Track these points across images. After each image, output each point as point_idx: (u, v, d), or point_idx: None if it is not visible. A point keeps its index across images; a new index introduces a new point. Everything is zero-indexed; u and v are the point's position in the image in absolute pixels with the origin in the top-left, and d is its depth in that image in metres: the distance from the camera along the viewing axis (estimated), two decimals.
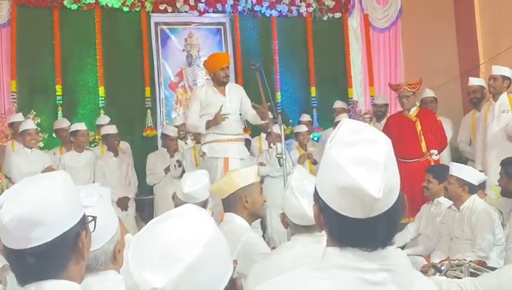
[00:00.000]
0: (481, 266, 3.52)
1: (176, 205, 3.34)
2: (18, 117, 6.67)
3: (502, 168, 4.11)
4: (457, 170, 4.36)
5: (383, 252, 1.26)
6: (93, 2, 7.63)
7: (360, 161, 1.20)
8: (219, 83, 5.52)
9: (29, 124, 6.35)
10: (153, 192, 6.98)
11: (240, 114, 5.68)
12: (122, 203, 6.54)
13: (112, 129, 6.68)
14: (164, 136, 6.97)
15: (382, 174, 1.19)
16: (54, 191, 1.44)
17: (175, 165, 6.65)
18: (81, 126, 6.58)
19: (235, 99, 5.57)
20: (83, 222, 1.52)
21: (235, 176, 3.04)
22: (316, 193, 1.30)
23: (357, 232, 1.25)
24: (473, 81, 6.70)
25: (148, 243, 1.07)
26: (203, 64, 6.05)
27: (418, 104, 6.38)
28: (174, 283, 1.00)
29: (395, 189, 1.25)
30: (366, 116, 7.23)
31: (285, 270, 1.36)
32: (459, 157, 6.79)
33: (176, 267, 1.01)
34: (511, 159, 4.43)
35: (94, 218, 1.59)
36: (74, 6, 7.59)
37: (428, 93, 7.05)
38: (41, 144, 6.91)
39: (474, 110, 6.75)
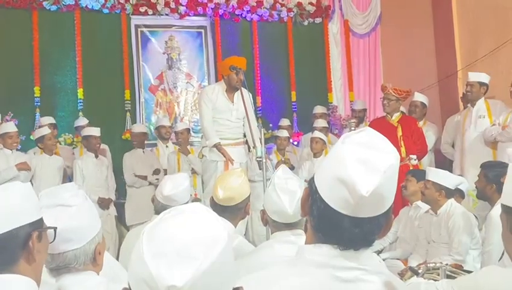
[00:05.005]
0: (457, 269, 3.57)
1: (156, 208, 3.30)
2: None
3: (482, 170, 4.14)
4: (434, 174, 4.38)
5: (357, 253, 1.29)
6: (73, 3, 7.54)
7: (363, 160, 1.24)
8: (230, 87, 5.30)
9: (11, 127, 6.28)
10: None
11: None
12: (103, 203, 6.45)
13: (94, 131, 6.60)
14: (131, 135, 7.17)
15: (378, 179, 1.22)
16: (9, 192, 1.55)
17: (155, 179, 6.67)
18: (45, 130, 6.46)
19: (241, 106, 5.34)
20: (37, 225, 1.59)
21: (243, 183, 2.99)
22: (311, 178, 1.34)
23: (336, 227, 1.27)
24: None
25: (165, 238, 1.05)
26: (218, 66, 5.82)
27: (403, 110, 6.35)
28: (193, 283, 1.00)
29: (386, 200, 1.27)
30: (352, 121, 7.14)
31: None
32: (443, 162, 6.77)
33: (194, 267, 1.01)
34: (493, 163, 4.41)
35: (54, 229, 1.67)
36: (53, 8, 7.51)
37: (417, 97, 6.98)
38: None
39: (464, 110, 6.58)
